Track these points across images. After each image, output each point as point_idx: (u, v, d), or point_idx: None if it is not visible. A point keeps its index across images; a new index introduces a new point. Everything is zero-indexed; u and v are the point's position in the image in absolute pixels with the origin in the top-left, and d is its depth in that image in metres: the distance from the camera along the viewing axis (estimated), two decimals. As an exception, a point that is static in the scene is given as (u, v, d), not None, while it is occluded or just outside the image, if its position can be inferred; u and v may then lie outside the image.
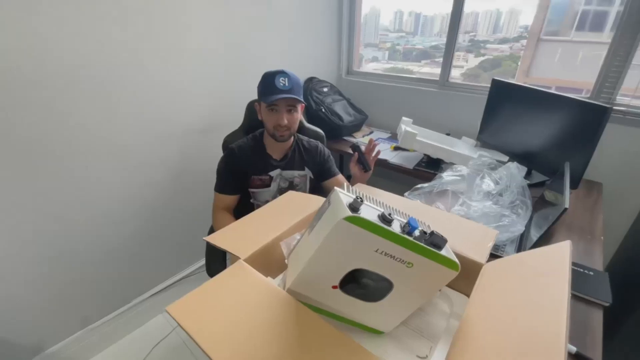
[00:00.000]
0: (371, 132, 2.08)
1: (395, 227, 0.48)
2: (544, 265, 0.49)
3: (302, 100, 1.10)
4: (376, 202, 0.52)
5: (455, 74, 1.91)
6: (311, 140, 1.27)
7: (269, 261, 0.66)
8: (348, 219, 0.44)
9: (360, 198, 0.49)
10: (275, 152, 1.19)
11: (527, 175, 1.44)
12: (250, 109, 1.32)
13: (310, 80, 2.03)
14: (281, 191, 1.20)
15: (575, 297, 0.81)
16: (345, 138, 1.98)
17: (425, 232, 0.49)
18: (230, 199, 1.17)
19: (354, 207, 0.47)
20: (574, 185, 1.18)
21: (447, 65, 1.84)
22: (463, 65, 2.07)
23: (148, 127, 1.37)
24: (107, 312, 1.50)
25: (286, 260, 0.64)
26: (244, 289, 0.52)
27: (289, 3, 1.75)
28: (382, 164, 1.69)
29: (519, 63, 2.16)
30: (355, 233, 0.45)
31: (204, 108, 1.55)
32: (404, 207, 0.74)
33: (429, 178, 1.25)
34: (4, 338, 1.19)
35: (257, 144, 1.18)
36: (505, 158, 1.52)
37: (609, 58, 1.37)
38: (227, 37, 1.52)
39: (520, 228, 0.96)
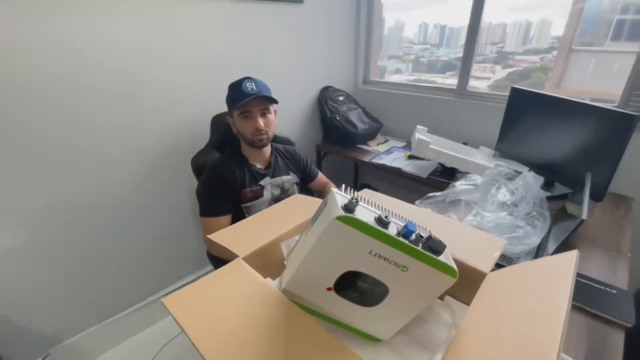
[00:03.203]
0: (386, 141, 2.07)
1: (392, 230, 0.47)
2: (548, 274, 0.46)
3: (274, 99, 1.08)
4: (375, 205, 0.52)
5: (482, 85, 1.86)
6: (286, 146, 1.29)
7: (270, 262, 0.66)
8: (340, 218, 0.44)
9: (356, 199, 0.48)
10: (258, 162, 1.17)
11: (550, 187, 1.37)
12: (216, 123, 1.30)
13: (325, 89, 2.05)
14: (275, 199, 1.19)
15: (594, 316, 0.76)
16: (360, 146, 1.98)
17: (422, 236, 0.48)
18: (225, 220, 1.10)
19: (349, 207, 0.47)
20: (598, 197, 1.11)
21: (464, 74, 1.81)
22: (490, 77, 2.01)
23: (163, 130, 1.43)
24: (122, 309, 1.54)
25: (285, 262, 0.64)
26: (239, 286, 0.52)
27: (306, 15, 1.79)
28: (396, 172, 1.66)
29: (549, 74, 2.08)
30: (348, 233, 0.45)
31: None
32: (410, 213, 0.72)
33: (442, 188, 1.22)
34: (26, 329, 1.26)
35: (238, 157, 1.15)
36: (525, 169, 1.46)
37: (637, 66, 1.30)
38: (244, 44, 1.57)
39: (535, 240, 0.91)
